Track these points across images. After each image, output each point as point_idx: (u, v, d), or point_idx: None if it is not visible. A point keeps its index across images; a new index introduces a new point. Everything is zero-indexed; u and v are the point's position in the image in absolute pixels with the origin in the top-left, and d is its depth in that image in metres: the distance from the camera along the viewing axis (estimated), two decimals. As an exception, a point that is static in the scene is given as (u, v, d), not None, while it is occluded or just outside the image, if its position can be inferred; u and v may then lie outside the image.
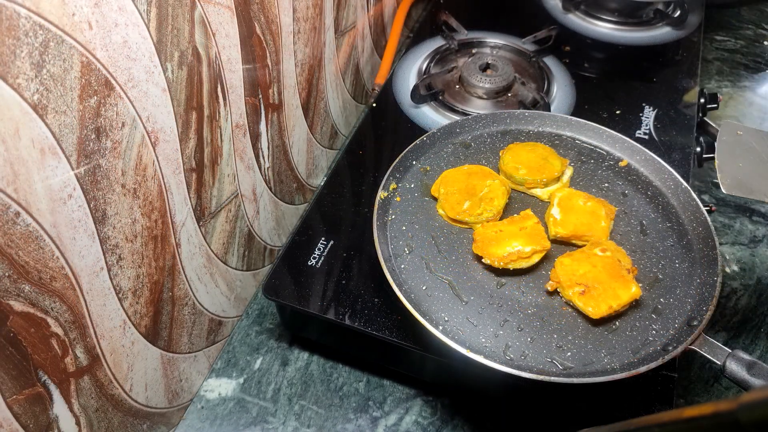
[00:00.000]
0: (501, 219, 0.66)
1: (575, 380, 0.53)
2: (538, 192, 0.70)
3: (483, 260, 0.61)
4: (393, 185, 0.70)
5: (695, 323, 0.57)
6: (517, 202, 0.70)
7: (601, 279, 0.58)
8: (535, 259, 0.61)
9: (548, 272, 0.63)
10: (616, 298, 0.57)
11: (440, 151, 0.74)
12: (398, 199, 0.69)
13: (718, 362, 0.53)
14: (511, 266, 0.60)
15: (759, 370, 0.51)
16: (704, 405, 0.31)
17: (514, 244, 0.60)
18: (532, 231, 0.61)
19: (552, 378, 0.53)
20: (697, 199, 0.66)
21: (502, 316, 0.59)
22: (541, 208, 0.69)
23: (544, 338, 0.58)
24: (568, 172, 0.71)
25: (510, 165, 0.70)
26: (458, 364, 0.59)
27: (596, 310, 0.56)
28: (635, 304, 0.59)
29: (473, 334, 0.58)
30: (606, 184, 0.71)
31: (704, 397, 0.72)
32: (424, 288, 0.61)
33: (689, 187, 0.68)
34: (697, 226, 0.65)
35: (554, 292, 0.60)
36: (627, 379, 0.53)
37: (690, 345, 0.55)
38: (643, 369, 0.53)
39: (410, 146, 0.72)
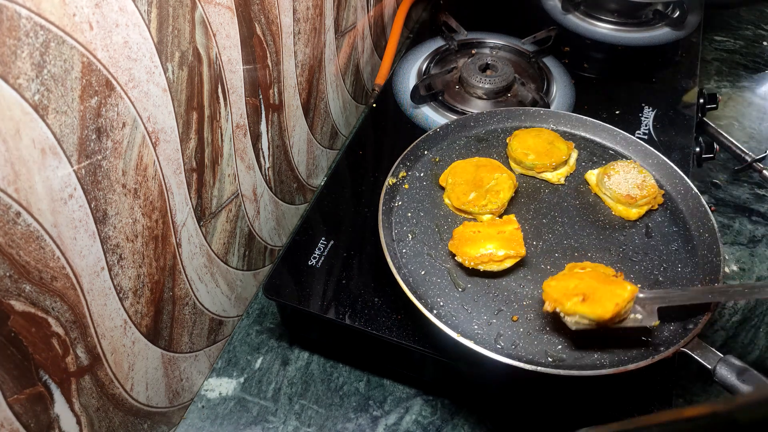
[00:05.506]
0: (506, 212, 0.68)
1: (563, 372, 0.53)
2: (548, 176, 0.72)
3: (455, 258, 0.62)
4: (402, 173, 0.71)
5: (690, 326, 0.57)
6: (529, 187, 0.72)
7: (593, 286, 0.56)
8: (507, 264, 0.61)
9: (547, 266, 0.63)
10: (618, 296, 0.55)
11: (453, 143, 0.76)
12: (406, 186, 0.70)
13: (708, 366, 0.54)
14: (481, 267, 0.61)
15: (749, 377, 0.51)
16: (703, 405, 0.31)
17: (489, 246, 0.61)
18: (509, 236, 0.62)
19: (539, 368, 0.53)
20: (707, 206, 0.67)
21: (497, 305, 0.60)
22: (548, 194, 0.71)
23: (537, 330, 0.58)
24: (574, 154, 0.74)
25: (518, 151, 0.72)
26: (452, 355, 0.59)
27: (605, 310, 0.53)
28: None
29: (467, 320, 0.59)
30: None
31: (703, 397, 0.72)
32: (422, 273, 0.62)
33: (699, 194, 0.68)
34: (703, 233, 0.66)
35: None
36: (618, 376, 0.53)
37: (682, 347, 0.55)
38: (631, 366, 0.53)
39: (423, 136, 0.73)
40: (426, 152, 0.74)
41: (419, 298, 0.58)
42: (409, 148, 0.72)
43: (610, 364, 0.55)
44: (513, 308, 0.60)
